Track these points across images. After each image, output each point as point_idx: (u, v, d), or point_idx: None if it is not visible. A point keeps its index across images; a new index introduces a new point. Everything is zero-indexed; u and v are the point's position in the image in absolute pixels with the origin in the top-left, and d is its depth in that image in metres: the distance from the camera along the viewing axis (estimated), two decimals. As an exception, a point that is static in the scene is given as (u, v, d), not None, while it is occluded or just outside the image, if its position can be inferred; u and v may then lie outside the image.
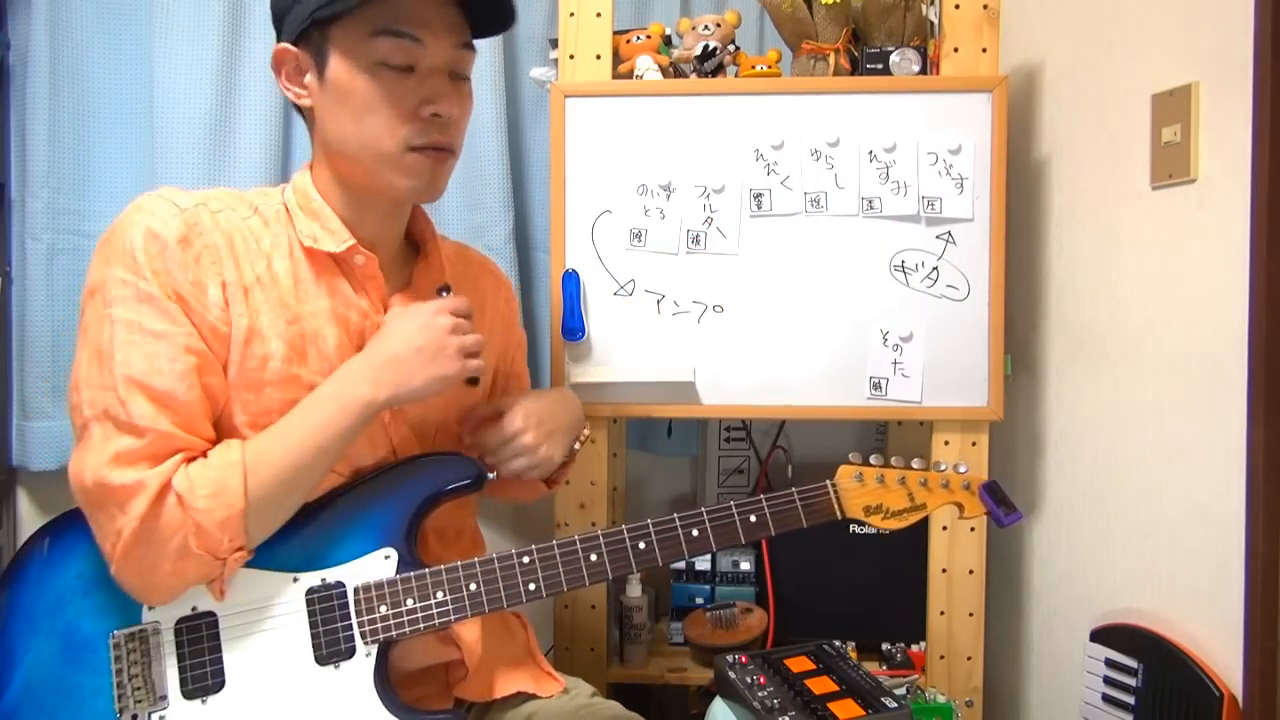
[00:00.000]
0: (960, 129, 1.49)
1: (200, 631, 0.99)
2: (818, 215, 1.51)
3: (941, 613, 1.57)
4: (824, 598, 1.71)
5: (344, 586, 1.03)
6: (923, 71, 1.53)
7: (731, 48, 1.59)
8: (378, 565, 1.04)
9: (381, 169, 1.06)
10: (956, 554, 1.56)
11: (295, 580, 1.02)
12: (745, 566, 1.79)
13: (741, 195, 1.51)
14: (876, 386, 1.52)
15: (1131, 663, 1.33)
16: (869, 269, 1.51)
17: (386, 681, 1.02)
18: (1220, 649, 1.21)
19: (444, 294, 1.16)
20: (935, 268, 1.51)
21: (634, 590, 1.68)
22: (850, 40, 1.57)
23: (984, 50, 1.51)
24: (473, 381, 1.18)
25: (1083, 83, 1.51)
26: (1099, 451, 1.47)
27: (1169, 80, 1.30)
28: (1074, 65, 1.54)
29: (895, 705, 1.22)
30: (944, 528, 1.55)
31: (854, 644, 1.65)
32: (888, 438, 1.97)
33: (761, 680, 1.29)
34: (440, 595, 1.04)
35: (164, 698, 0.97)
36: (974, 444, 1.53)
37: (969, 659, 1.57)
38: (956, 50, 1.51)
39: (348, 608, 1.02)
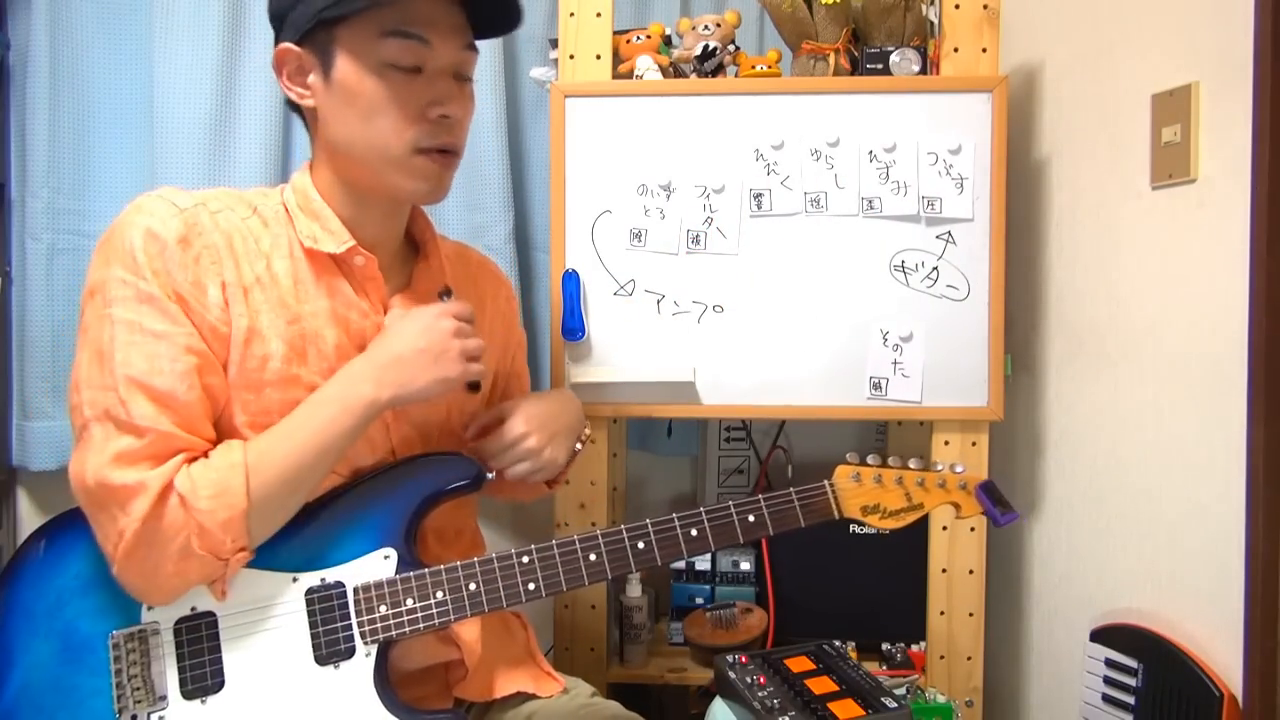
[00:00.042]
0: (960, 129, 1.49)
1: (200, 631, 0.99)
2: (818, 215, 1.51)
3: (941, 613, 1.57)
4: (824, 598, 1.71)
5: (343, 586, 1.02)
6: (923, 71, 1.53)
7: (731, 48, 1.59)
8: (377, 565, 1.04)
9: (387, 170, 1.06)
10: (956, 554, 1.56)
11: (295, 580, 1.02)
12: (745, 566, 1.79)
13: (741, 195, 1.51)
14: (876, 386, 1.52)
15: (1131, 663, 1.33)
16: (869, 269, 1.51)
17: (386, 681, 1.02)
18: (1220, 649, 1.21)
19: (446, 298, 1.16)
20: (935, 268, 1.51)
21: (634, 590, 1.68)
22: (850, 40, 1.57)
23: (984, 50, 1.51)
24: (473, 387, 1.18)
25: (1083, 83, 1.51)
26: (1099, 451, 1.47)
27: (1169, 80, 1.30)
28: (1074, 65, 1.54)
29: (895, 705, 1.22)
30: (944, 528, 1.55)
31: (854, 644, 1.65)
32: (888, 438, 1.97)
33: (761, 680, 1.29)
34: (440, 595, 1.04)
35: (163, 698, 0.97)
36: (974, 444, 1.53)
37: (969, 659, 1.57)
38: (956, 50, 1.51)
39: (347, 608, 1.02)
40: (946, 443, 1.54)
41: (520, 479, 1.17)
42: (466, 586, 1.05)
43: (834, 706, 1.22)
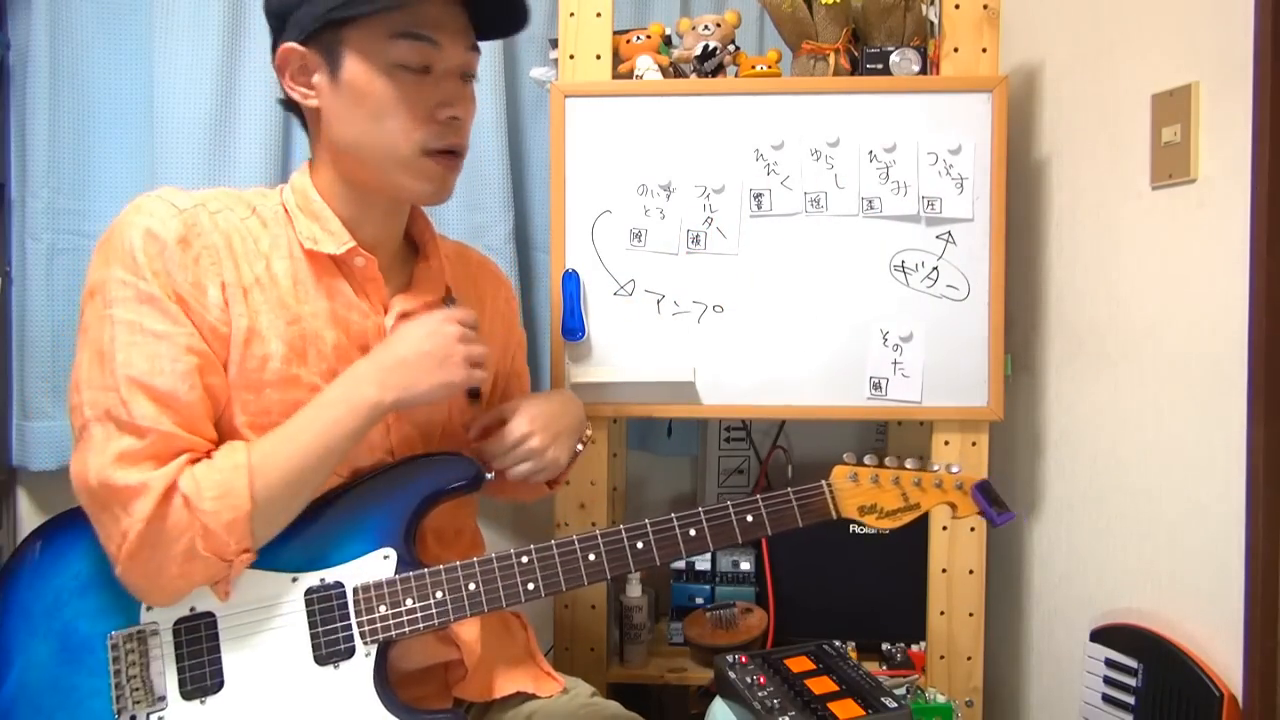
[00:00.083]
0: (960, 129, 1.49)
1: (199, 632, 0.99)
2: (818, 215, 1.51)
3: (941, 613, 1.57)
4: (824, 598, 1.71)
5: (343, 587, 1.02)
6: (923, 71, 1.53)
7: (731, 48, 1.59)
8: (377, 565, 1.04)
9: (394, 171, 1.06)
10: (956, 554, 1.56)
11: (294, 580, 1.01)
12: (745, 566, 1.79)
13: (741, 195, 1.51)
14: (876, 386, 1.52)
15: (1131, 663, 1.32)
16: (869, 269, 1.51)
17: (386, 681, 1.02)
18: (1220, 649, 1.21)
19: (450, 304, 1.16)
20: (935, 268, 1.51)
21: (634, 590, 1.68)
22: (850, 40, 1.57)
23: (984, 50, 1.51)
24: (474, 395, 1.18)
25: (1083, 83, 1.51)
26: (1099, 451, 1.47)
27: (1169, 80, 1.30)
28: (1074, 65, 1.54)
29: (895, 705, 1.22)
30: (944, 528, 1.55)
31: (854, 644, 1.65)
32: (888, 438, 1.97)
33: (761, 680, 1.29)
34: (439, 595, 1.04)
35: (162, 698, 0.97)
36: (974, 444, 1.53)
37: (969, 659, 1.57)
38: (956, 50, 1.51)
39: (347, 608, 1.02)
40: (946, 443, 1.54)
41: (522, 479, 1.17)
42: (466, 586, 1.05)
43: (834, 706, 1.22)
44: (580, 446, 1.26)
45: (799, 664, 1.34)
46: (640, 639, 1.70)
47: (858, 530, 1.68)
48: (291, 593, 1.01)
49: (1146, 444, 1.36)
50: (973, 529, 1.55)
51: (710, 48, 1.56)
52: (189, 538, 0.93)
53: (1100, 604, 1.45)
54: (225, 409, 1.01)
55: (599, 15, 1.54)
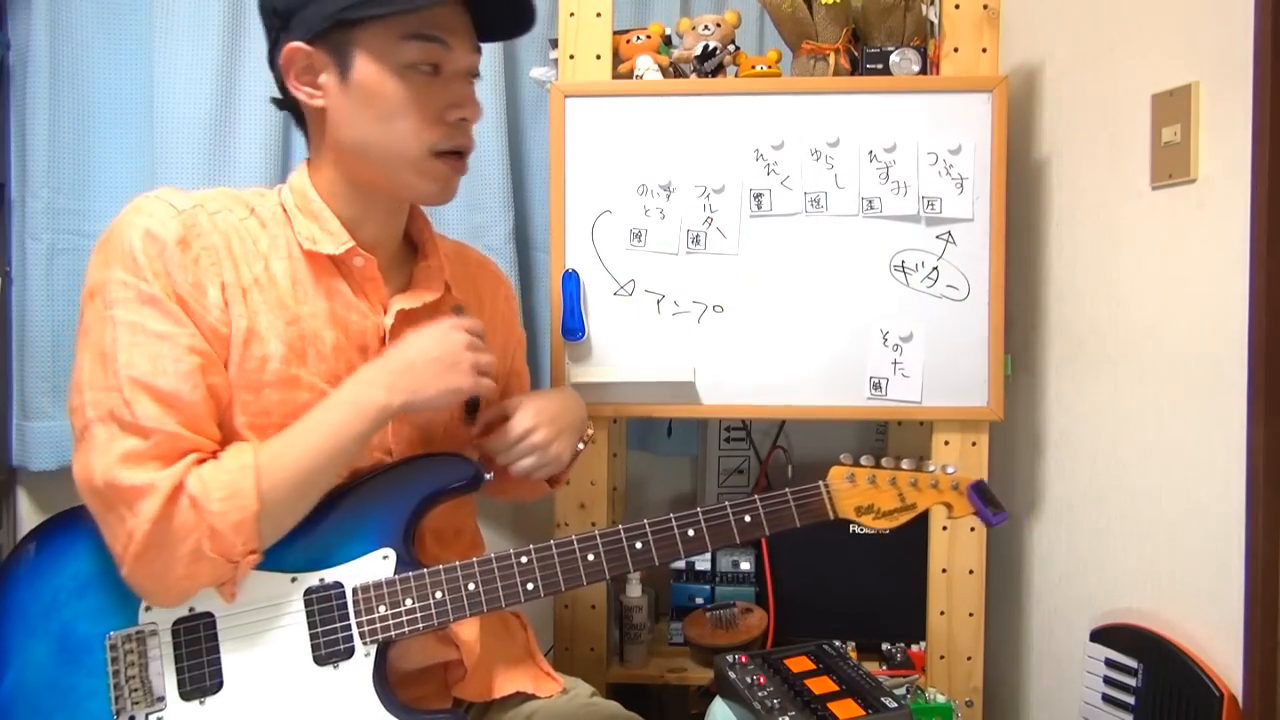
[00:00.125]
0: (960, 129, 1.49)
1: (198, 632, 0.98)
2: (818, 215, 1.51)
3: (941, 613, 1.57)
4: (824, 598, 1.71)
5: (342, 587, 1.02)
6: (923, 71, 1.53)
7: (731, 48, 1.59)
8: (376, 565, 1.04)
9: (403, 172, 1.06)
10: (956, 554, 1.56)
11: (293, 580, 1.01)
12: (745, 566, 1.79)
13: (741, 195, 1.51)
14: (876, 386, 1.52)
15: (1131, 663, 1.32)
16: (869, 269, 1.51)
17: (385, 681, 1.02)
18: (1220, 649, 1.21)
19: (458, 314, 1.16)
20: (935, 268, 1.50)
21: (634, 590, 1.68)
22: (850, 40, 1.57)
23: (984, 50, 1.51)
24: (471, 410, 1.17)
25: (1083, 83, 1.51)
26: (1099, 451, 1.47)
27: (1169, 80, 1.30)
28: (1074, 65, 1.54)
29: (895, 705, 1.22)
30: (944, 528, 1.55)
31: (854, 644, 1.65)
32: (888, 438, 1.97)
33: (761, 680, 1.29)
34: (439, 595, 1.04)
35: (161, 699, 0.97)
36: (974, 444, 1.53)
37: (969, 659, 1.57)
38: (956, 50, 1.51)
39: (346, 608, 1.02)
40: (946, 443, 1.54)
41: (526, 474, 1.16)
42: (465, 586, 1.05)
43: (834, 706, 1.22)
44: (581, 445, 1.26)
45: (799, 664, 1.34)
46: (640, 639, 1.70)
47: (857, 530, 1.68)
48: (291, 593, 1.01)
49: (1146, 444, 1.36)
50: (972, 529, 1.55)
51: (710, 48, 1.56)
52: (196, 538, 0.93)
53: (1100, 604, 1.45)
54: (225, 409, 1.01)
55: (599, 15, 1.54)
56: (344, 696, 1.00)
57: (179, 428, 0.94)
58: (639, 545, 1.10)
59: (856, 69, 1.56)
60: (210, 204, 1.03)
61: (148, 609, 0.98)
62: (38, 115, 1.72)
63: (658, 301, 1.53)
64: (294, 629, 1.00)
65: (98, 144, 1.77)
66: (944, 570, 1.56)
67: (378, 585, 1.03)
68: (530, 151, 1.93)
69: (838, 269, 1.51)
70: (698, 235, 1.52)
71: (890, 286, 1.51)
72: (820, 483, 1.15)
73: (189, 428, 0.95)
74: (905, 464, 1.17)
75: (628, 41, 1.58)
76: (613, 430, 1.69)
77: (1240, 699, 1.17)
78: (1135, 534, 1.38)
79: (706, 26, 1.58)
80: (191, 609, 0.99)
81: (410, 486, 1.08)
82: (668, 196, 1.51)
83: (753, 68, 1.57)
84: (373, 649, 1.02)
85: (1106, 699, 1.35)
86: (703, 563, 1.80)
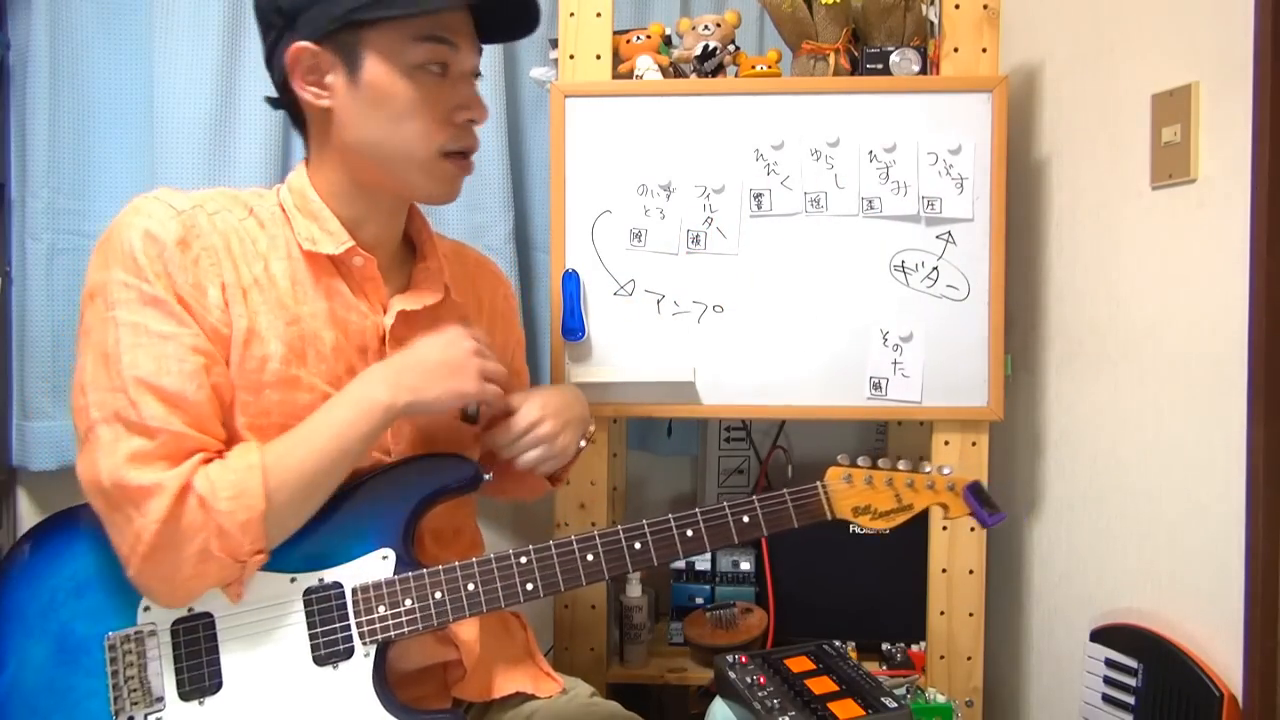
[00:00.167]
0: (960, 129, 1.49)
1: (197, 633, 0.98)
2: (818, 215, 1.51)
3: (941, 613, 1.57)
4: (824, 598, 1.71)
5: (342, 587, 1.02)
6: (923, 71, 1.53)
7: (731, 48, 1.59)
8: (375, 566, 1.04)
9: (411, 172, 1.07)
10: (956, 554, 1.56)
11: (293, 581, 1.01)
12: (745, 566, 1.79)
13: (741, 195, 1.51)
14: (876, 386, 1.52)
15: (1131, 663, 1.32)
16: (869, 269, 1.51)
17: (385, 682, 1.02)
18: (1220, 649, 1.21)
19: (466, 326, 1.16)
20: (935, 268, 1.50)
21: (634, 590, 1.68)
22: (850, 40, 1.57)
23: (984, 50, 1.51)
24: (471, 419, 1.18)
25: (1083, 83, 1.51)
26: (1099, 451, 1.47)
27: (1169, 80, 1.29)
28: (1074, 65, 1.54)
29: (895, 705, 1.22)
30: (944, 528, 1.55)
31: (854, 644, 1.65)
32: (888, 438, 1.97)
33: (761, 680, 1.29)
34: (438, 595, 1.04)
35: (160, 699, 0.97)
36: (974, 444, 1.53)
37: (969, 659, 1.57)
38: (956, 50, 1.51)
39: (345, 608, 1.02)
40: (946, 443, 1.54)
41: (531, 467, 1.16)
42: (465, 587, 1.05)
43: (834, 706, 1.22)
44: (584, 442, 1.26)
45: (799, 664, 1.34)
46: (640, 639, 1.70)
47: (857, 530, 1.68)
48: (290, 593, 1.01)
49: (1146, 444, 1.36)
50: (972, 529, 1.55)
51: (710, 48, 1.56)
52: (203, 538, 0.93)
53: (1100, 604, 1.45)
54: (227, 410, 1.01)
55: (599, 15, 1.54)
56: (343, 697, 1.00)
57: (185, 427, 0.94)
58: (638, 546, 1.10)
59: (856, 69, 1.56)
60: (209, 204, 1.03)
61: (146, 609, 0.98)
62: (38, 115, 1.72)
63: (658, 301, 1.53)
64: (293, 629, 1.00)
65: (98, 144, 1.77)
66: (944, 570, 1.56)
67: (377, 585, 1.03)
68: (530, 151, 1.93)
69: (838, 269, 1.51)
70: (698, 235, 1.52)
71: (890, 286, 1.51)
72: (818, 483, 1.16)
73: (195, 427, 0.95)
74: (902, 465, 1.17)
75: (628, 41, 1.58)
76: (613, 430, 1.69)
77: (1240, 699, 1.17)
78: (1135, 534, 1.38)
79: (706, 26, 1.58)
80: (190, 609, 0.99)
81: (409, 487, 1.08)
82: (668, 196, 1.51)
83: (753, 68, 1.57)
84: (372, 649, 1.02)
85: (1106, 699, 1.35)
86: (703, 563, 1.80)
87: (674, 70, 1.58)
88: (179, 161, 1.72)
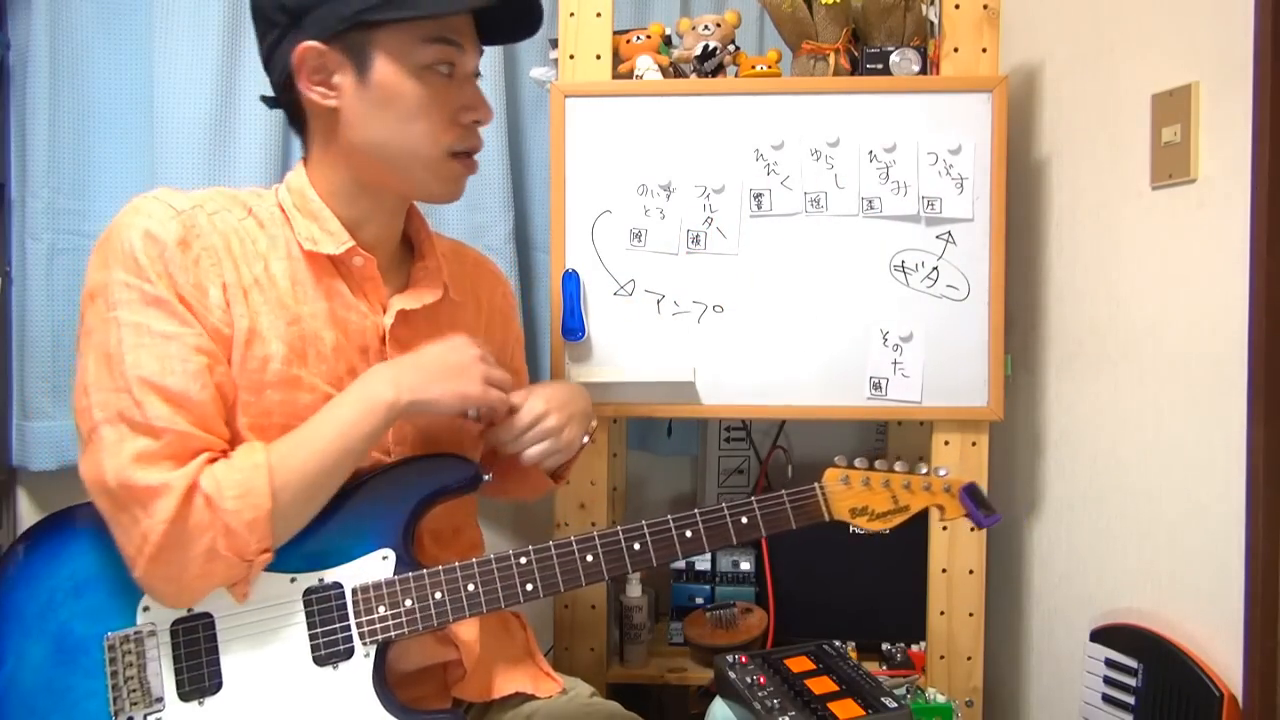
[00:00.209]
0: (960, 129, 1.49)
1: (197, 633, 0.98)
2: (818, 215, 1.51)
3: (941, 613, 1.57)
4: (824, 598, 1.71)
5: (342, 587, 1.02)
6: (923, 71, 1.53)
7: (731, 48, 1.59)
8: (376, 566, 1.04)
9: (418, 172, 1.07)
10: (956, 554, 1.56)
11: (293, 581, 1.01)
12: (745, 566, 1.79)
13: (741, 195, 1.51)
14: (876, 386, 1.52)
15: (1131, 663, 1.32)
16: (869, 269, 1.51)
17: (385, 682, 1.02)
18: (1220, 649, 1.21)
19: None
20: (935, 268, 1.50)
21: (634, 590, 1.68)
22: (850, 40, 1.57)
23: (984, 50, 1.51)
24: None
25: (1083, 83, 1.51)
26: (1099, 451, 1.47)
27: (1169, 80, 1.29)
28: (1074, 65, 1.54)
29: (895, 705, 1.22)
30: (944, 528, 1.55)
31: (854, 644, 1.65)
32: (888, 438, 1.97)
33: (761, 680, 1.29)
34: (438, 596, 1.04)
35: (160, 700, 0.97)
36: (974, 444, 1.53)
37: (969, 659, 1.57)
38: (956, 50, 1.51)
39: (346, 608, 1.02)
40: (946, 443, 1.54)
41: (536, 461, 1.16)
42: (465, 587, 1.05)
43: (834, 706, 1.22)
44: (586, 438, 1.26)
45: (799, 664, 1.34)
46: (640, 639, 1.70)
47: (857, 530, 1.68)
48: (290, 593, 1.01)
49: (1146, 444, 1.36)
50: (972, 529, 1.55)
51: (710, 48, 1.56)
52: (210, 537, 0.93)
53: (1100, 604, 1.45)
54: (230, 409, 1.01)
55: (599, 15, 1.54)
56: (344, 697, 1.00)
57: (190, 427, 0.94)
58: (637, 546, 1.10)
59: (856, 69, 1.56)
60: (209, 204, 1.03)
61: (146, 609, 0.98)
62: (38, 115, 1.72)
63: (658, 301, 1.53)
64: (293, 629, 1.00)
65: (98, 144, 1.77)
66: (944, 570, 1.56)
67: (377, 586, 1.03)
68: (530, 151, 1.93)
69: (838, 269, 1.51)
70: (698, 235, 1.52)
71: (890, 286, 1.51)
72: (816, 484, 1.16)
73: (199, 427, 0.95)
74: (898, 466, 1.18)
75: (628, 41, 1.58)
76: (613, 430, 1.69)
77: (1240, 699, 1.17)
78: (1135, 534, 1.38)
79: (706, 26, 1.58)
80: (190, 609, 0.99)
81: (409, 487, 1.08)
82: (668, 196, 1.51)
83: (753, 68, 1.57)
84: (372, 649, 1.02)
85: (1106, 699, 1.35)
86: (703, 563, 1.80)
87: (674, 70, 1.58)
88: (179, 161, 1.72)
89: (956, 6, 1.50)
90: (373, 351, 1.10)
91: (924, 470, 1.18)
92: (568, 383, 1.28)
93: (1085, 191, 1.50)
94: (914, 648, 1.63)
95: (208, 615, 0.99)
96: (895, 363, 1.51)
